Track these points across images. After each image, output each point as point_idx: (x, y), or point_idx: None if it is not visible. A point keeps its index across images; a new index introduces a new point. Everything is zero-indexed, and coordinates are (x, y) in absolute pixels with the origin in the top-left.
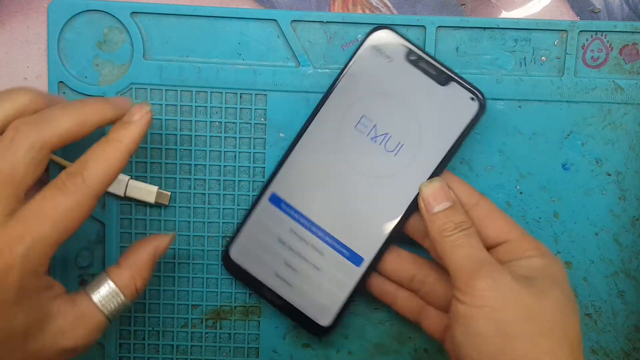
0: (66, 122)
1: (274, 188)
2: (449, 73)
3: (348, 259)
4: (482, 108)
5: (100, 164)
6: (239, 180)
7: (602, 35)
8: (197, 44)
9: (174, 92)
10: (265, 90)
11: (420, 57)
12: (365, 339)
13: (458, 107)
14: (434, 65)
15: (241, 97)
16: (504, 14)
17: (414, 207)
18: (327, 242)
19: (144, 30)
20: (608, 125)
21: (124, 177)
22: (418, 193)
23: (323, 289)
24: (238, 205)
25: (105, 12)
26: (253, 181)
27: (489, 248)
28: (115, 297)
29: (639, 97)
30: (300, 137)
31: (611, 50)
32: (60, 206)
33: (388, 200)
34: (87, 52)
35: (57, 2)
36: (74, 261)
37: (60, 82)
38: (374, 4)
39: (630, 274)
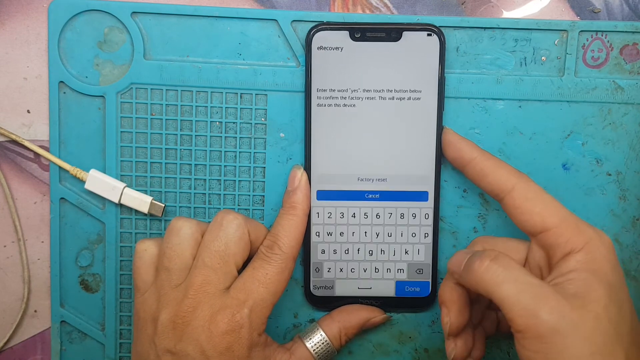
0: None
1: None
2: (395, 27)
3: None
4: (441, 37)
5: (287, 231)
6: (239, 180)
7: (602, 35)
8: (198, 44)
9: (175, 92)
10: (265, 90)
11: (361, 30)
12: (365, 338)
13: (423, 48)
14: (377, 29)
15: (241, 97)
16: (504, 14)
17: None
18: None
19: (144, 30)
20: (608, 125)
21: (119, 185)
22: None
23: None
24: (238, 206)
25: (106, 12)
26: (254, 181)
27: (530, 236)
28: (325, 345)
29: (639, 97)
30: (310, 155)
31: (611, 50)
32: (269, 273)
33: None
34: (88, 52)
35: (57, 2)
36: (74, 261)
37: (61, 82)
38: (374, 4)
39: (630, 274)
